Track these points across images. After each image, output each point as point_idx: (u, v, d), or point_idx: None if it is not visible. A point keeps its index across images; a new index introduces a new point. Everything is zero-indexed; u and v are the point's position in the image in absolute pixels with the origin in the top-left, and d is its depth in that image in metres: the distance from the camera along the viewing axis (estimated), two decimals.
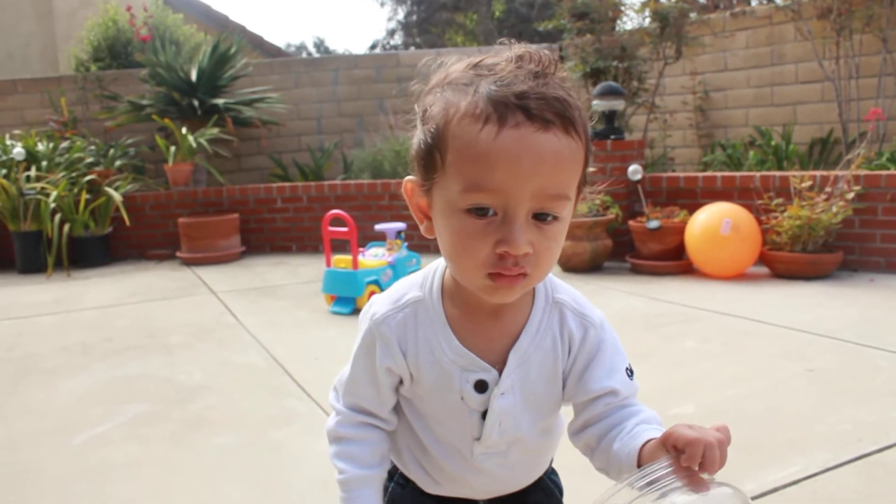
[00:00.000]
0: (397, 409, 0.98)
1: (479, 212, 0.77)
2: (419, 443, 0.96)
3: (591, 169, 0.84)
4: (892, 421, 2.21)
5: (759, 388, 2.57)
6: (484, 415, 0.90)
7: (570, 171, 0.78)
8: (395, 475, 1.04)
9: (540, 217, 0.78)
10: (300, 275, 5.20)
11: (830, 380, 2.60)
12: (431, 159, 0.80)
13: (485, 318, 0.89)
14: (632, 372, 0.92)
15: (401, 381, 0.94)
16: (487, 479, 0.96)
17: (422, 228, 0.86)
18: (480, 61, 0.80)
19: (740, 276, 4.35)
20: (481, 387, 0.89)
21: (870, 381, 2.57)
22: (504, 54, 0.80)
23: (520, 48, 0.80)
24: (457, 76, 0.80)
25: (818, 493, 1.81)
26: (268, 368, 3.06)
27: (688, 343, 3.14)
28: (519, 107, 0.74)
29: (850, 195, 4.15)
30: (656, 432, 0.82)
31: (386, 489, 1.02)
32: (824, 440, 2.11)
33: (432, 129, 0.79)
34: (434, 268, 0.93)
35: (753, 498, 1.80)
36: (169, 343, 3.51)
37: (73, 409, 2.70)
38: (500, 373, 0.89)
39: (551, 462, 1.08)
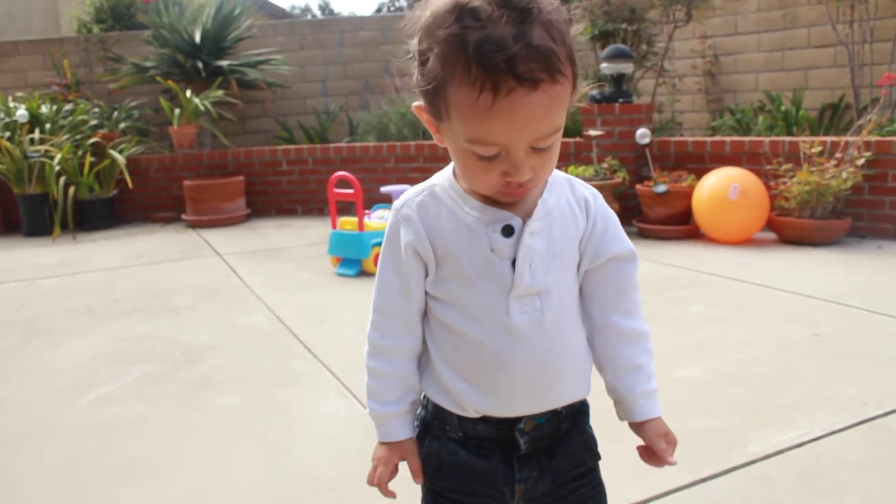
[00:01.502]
0: (427, 318, 1.01)
1: (484, 157, 0.86)
2: (453, 337, 0.97)
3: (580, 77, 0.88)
4: None
5: (764, 352, 2.57)
6: (513, 264, 0.94)
7: (560, 110, 0.84)
8: (431, 427, 1.04)
9: (537, 147, 0.86)
10: (306, 237, 5.20)
11: (836, 345, 2.60)
12: (437, 109, 0.87)
13: None
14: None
15: (426, 274, 0.98)
16: (527, 357, 0.95)
17: (435, 139, 0.93)
18: (466, 4, 0.81)
19: (748, 242, 4.33)
20: (508, 231, 0.94)
21: (876, 347, 2.57)
22: None
23: None
24: (446, 29, 0.81)
25: (823, 456, 1.82)
26: (273, 330, 3.07)
27: (694, 307, 3.14)
28: (509, 73, 0.78)
29: (861, 161, 4.10)
30: (647, 409, 1.02)
31: (422, 443, 1.04)
32: (829, 404, 2.11)
33: (434, 86, 0.84)
34: (448, 166, 1.00)
35: (759, 460, 1.81)
36: (174, 305, 3.53)
37: (80, 369, 2.72)
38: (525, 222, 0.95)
39: (588, 419, 1.06)
